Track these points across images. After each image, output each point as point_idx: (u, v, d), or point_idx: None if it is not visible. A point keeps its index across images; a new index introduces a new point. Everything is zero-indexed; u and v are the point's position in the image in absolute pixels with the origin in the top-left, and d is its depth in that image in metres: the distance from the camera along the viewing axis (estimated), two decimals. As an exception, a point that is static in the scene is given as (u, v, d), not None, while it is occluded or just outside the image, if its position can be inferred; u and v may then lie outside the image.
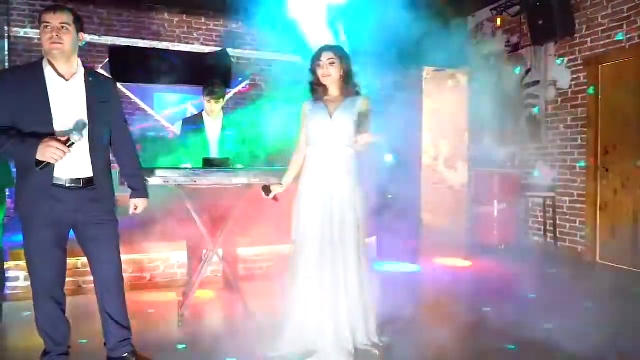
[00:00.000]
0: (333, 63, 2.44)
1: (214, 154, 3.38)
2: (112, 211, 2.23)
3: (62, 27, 2.03)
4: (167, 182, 2.74)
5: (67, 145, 1.98)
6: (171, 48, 5.79)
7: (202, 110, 3.54)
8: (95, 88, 2.14)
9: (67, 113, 2.07)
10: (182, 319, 2.92)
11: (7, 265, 3.22)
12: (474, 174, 5.90)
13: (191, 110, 5.80)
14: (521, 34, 5.42)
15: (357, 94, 2.50)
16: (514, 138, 5.62)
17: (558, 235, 5.08)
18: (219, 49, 5.95)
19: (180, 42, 5.88)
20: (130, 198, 2.38)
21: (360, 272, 2.46)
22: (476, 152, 6.03)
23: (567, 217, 5.00)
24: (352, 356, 2.36)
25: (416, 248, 5.05)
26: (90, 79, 2.14)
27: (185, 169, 2.96)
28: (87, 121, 2.09)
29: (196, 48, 5.94)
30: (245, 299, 3.03)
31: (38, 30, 5.61)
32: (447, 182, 8.22)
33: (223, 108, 3.53)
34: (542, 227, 5.22)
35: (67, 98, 2.08)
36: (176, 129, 5.71)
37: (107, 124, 2.20)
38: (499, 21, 5.54)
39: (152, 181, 2.70)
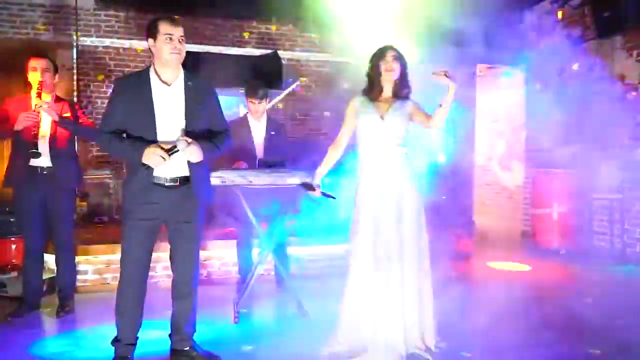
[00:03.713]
0: (396, 60, 2.48)
1: (259, 154, 3.44)
2: (202, 210, 2.37)
3: (181, 38, 2.22)
4: (224, 182, 2.83)
5: (170, 153, 2.15)
6: (224, 52, 5.95)
7: (247, 113, 3.60)
8: (193, 91, 2.29)
9: (168, 116, 2.24)
10: (237, 316, 3.00)
11: (77, 259, 3.44)
12: (531, 175, 5.63)
13: (243, 112, 5.93)
14: (584, 27, 5.12)
15: (407, 97, 2.54)
16: (575, 136, 5.31)
17: (626, 240, 4.76)
18: (270, 51, 6.06)
19: (232, 45, 6.04)
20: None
21: (419, 274, 2.45)
22: (534, 152, 5.77)
23: (637, 220, 4.67)
24: (401, 358, 2.34)
25: (469, 251, 4.89)
26: (189, 83, 2.29)
27: (242, 169, 3.03)
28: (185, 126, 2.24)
29: (248, 51, 6.07)
30: (298, 298, 3.07)
31: (103, 39, 5.88)
32: (501, 182, 7.95)
33: (270, 109, 3.56)
34: (609, 232, 4.91)
35: (168, 102, 2.24)
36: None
37: (204, 124, 2.32)
38: (560, 14, 5.26)
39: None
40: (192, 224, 2.33)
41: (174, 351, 2.40)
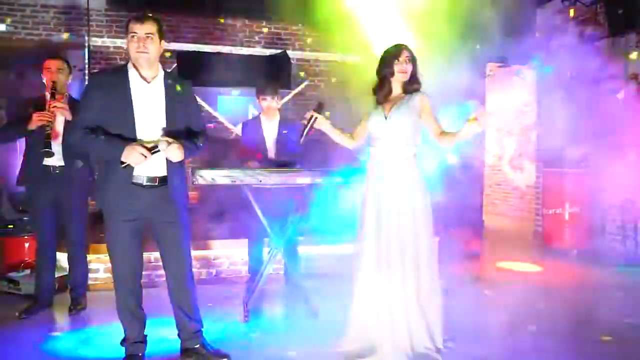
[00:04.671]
0: (409, 61, 2.47)
1: (271, 154, 3.44)
2: (184, 210, 2.35)
3: (148, 36, 2.16)
4: (234, 181, 2.84)
5: (152, 152, 2.12)
6: (234, 52, 5.98)
7: (260, 112, 3.62)
8: (173, 89, 2.26)
9: (147, 113, 2.21)
10: (247, 315, 3.01)
11: (89, 257, 3.47)
12: (543, 174, 5.57)
13: (252, 112, 5.96)
14: (597, 25, 5.06)
15: (416, 91, 2.50)
16: (588, 136, 5.24)
17: (639, 240, 4.69)
18: (279, 51, 6.07)
19: (242, 45, 6.06)
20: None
21: (424, 274, 2.44)
22: (545, 152, 5.71)
23: (650, 221, 4.61)
24: (409, 358, 2.33)
25: (479, 251, 4.85)
26: (169, 81, 2.27)
27: (252, 168, 3.04)
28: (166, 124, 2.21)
29: (257, 51, 6.09)
30: (307, 297, 3.07)
31: (115, 39, 5.94)
32: (511, 182, 7.88)
33: (280, 109, 3.57)
34: (621, 232, 4.84)
35: (148, 99, 2.22)
36: (238, 130, 5.94)
37: (184, 123, 2.30)
38: (572, 12, 5.20)
39: (219, 180, 2.81)
40: (175, 223, 2.29)
41: (184, 349, 2.42)
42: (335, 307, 2.74)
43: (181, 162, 2.29)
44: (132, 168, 2.15)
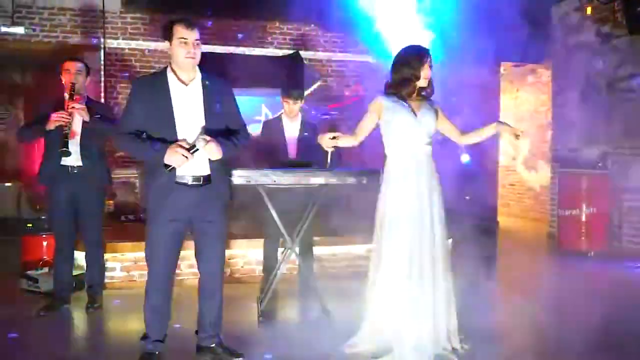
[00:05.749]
0: (431, 67, 2.50)
1: (292, 155, 3.45)
2: (225, 210, 2.39)
3: (197, 42, 2.22)
4: (249, 181, 2.85)
5: (191, 152, 2.17)
6: (247, 52, 6.01)
7: (282, 113, 3.63)
8: (210, 90, 2.31)
9: (187, 115, 2.26)
10: (261, 314, 3.02)
11: (105, 256, 3.51)
12: (559, 175, 5.50)
13: (265, 112, 5.98)
14: (614, 23, 4.98)
15: (430, 97, 2.57)
16: (605, 136, 5.17)
17: (658, 242, 4.61)
18: (292, 51, 6.09)
19: (255, 46, 6.09)
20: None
21: (449, 273, 2.46)
22: (561, 152, 5.64)
23: (670, 223, 4.52)
24: (429, 358, 2.32)
25: (493, 252, 4.80)
26: (207, 82, 2.31)
27: (265, 169, 3.05)
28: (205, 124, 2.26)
29: (270, 52, 6.12)
30: (321, 297, 3.08)
31: (129, 41, 5.97)
32: (526, 183, 7.80)
33: (301, 110, 3.59)
34: (639, 234, 4.76)
35: (186, 101, 2.27)
36: (251, 130, 5.97)
37: (223, 123, 2.34)
38: (588, 10, 5.12)
39: (234, 180, 2.82)
40: (216, 223, 2.34)
41: (200, 348, 2.44)
42: (348, 308, 2.74)
43: (223, 161, 2.32)
44: (175, 169, 2.20)
